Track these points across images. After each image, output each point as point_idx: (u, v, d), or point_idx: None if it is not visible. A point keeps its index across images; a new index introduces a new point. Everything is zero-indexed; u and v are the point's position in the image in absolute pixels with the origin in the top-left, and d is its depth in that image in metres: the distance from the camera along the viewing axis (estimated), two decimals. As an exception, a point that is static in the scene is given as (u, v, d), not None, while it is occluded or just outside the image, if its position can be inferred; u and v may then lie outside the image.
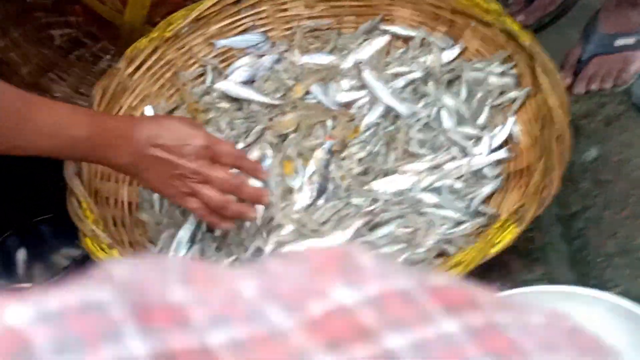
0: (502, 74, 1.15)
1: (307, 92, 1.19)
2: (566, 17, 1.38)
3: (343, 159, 1.12)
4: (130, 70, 1.18)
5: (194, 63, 1.25)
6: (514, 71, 1.14)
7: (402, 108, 1.14)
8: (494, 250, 0.92)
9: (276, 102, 1.18)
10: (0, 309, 0.23)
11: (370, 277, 0.27)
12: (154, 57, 1.21)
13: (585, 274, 1.05)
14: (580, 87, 1.26)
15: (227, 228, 1.00)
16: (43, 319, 0.22)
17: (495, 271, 1.04)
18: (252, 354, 0.23)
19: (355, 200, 1.06)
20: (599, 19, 1.28)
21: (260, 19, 1.27)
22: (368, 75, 1.17)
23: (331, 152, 1.12)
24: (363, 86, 1.18)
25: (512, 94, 1.12)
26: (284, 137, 1.15)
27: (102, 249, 0.97)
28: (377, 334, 0.24)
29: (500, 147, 1.09)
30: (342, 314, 0.25)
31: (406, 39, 1.24)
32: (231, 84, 1.21)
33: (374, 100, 1.16)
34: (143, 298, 0.24)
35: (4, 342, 0.22)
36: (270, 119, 1.17)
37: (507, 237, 0.92)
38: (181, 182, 0.93)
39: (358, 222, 1.02)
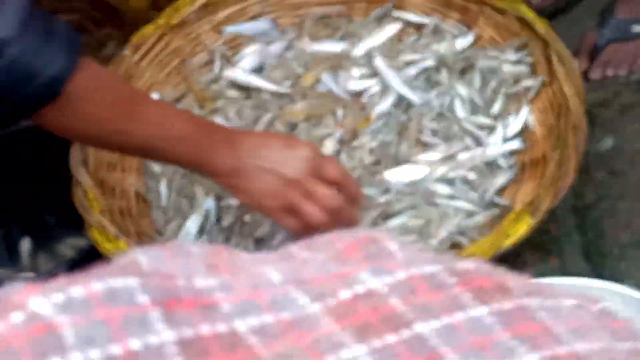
0: (517, 62, 1.13)
1: (317, 81, 1.17)
2: (581, 3, 1.36)
3: (354, 148, 1.10)
4: (137, 57, 1.17)
5: (201, 50, 1.23)
6: (528, 59, 1.12)
7: (414, 97, 1.12)
8: (507, 242, 0.91)
9: (285, 91, 1.17)
10: (25, 297, 0.23)
11: (397, 262, 0.27)
12: (160, 44, 1.19)
13: (599, 265, 1.04)
14: (596, 73, 1.25)
15: None
16: (69, 307, 0.22)
17: (509, 263, 1.02)
18: (281, 339, 0.23)
19: (366, 191, 1.04)
20: (616, 5, 1.26)
21: (269, 5, 1.25)
22: (380, 63, 1.15)
23: (342, 142, 1.10)
24: (374, 74, 1.16)
25: (527, 83, 1.11)
26: (293, 126, 1.13)
27: (109, 240, 0.97)
28: (406, 319, 0.24)
29: (514, 136, 1.08)
30: (370, 300, 0.25)
31: (418, 26, 1.22)
32: (239, 72, 1.19)
33: (385, 88, 1.14)
34: (169, 285, 0.24)
35: (30, 329, 0.22)
36: (280, 108, 1.15)
37: (521, 228, 0.91)
38: (283, 195, 0.88)
39: (373, 213, 1.01)
